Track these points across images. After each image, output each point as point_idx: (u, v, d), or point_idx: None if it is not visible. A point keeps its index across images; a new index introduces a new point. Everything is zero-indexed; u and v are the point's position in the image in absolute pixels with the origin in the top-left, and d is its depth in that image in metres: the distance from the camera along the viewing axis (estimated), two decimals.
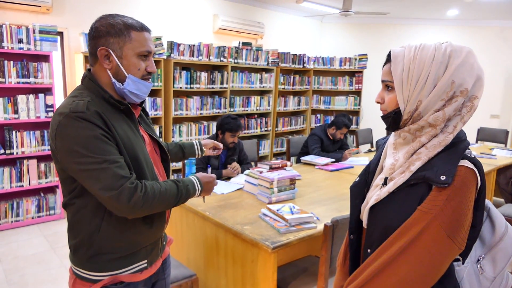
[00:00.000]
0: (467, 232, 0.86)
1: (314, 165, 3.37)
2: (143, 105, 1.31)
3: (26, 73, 3.59)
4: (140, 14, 4.57)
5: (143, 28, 1.16)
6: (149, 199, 1.09)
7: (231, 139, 3.00)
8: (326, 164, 3.34)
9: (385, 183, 0.98)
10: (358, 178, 1.11)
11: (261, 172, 2.39)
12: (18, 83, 3.55)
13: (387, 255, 0.89)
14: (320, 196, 2.46)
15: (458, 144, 0.90)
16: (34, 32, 3.61)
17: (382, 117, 1.00)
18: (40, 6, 3.82)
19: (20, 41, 3.55)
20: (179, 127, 4.65)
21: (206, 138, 3.10)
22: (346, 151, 3.63)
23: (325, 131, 3.91)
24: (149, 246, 1.23)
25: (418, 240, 0.85)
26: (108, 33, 1.11)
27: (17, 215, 3.68)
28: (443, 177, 0.85)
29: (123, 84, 1.15)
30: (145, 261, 1.22)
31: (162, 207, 1.16)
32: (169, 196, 1.15)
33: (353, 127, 6.28)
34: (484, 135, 5.54)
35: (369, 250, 1.00)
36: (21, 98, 3.60)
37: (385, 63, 0.98)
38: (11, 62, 3.51)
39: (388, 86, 0.97)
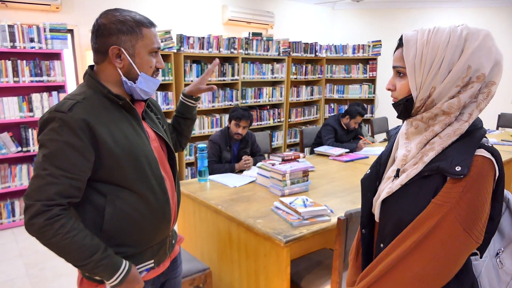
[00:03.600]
0: (484, 225, 0.82)
1: (328, 156, 3.32)
2: (148, 101, 1.27)
3: (39, 71, 3.64)
4: (149, 8, 4.55)
5: (151, 24, 1.14)
6: (49, 231, 1.00)
7: (235, 128, 2.96)
8: (340, 155, 3.28)
9: (397, 175, 0.94)
10: (369, 170, 1.07)
11: (273, 165, 2.36)
12: (32, 81, 3.60)
13: (401, 250, 0.85)
14: (334, 187, 2.42)
15: (474, 133, 0.85)
16: (44, 31, 3.64)
17: (393, 104, 0.95)
18: (49, 5, 3.85)
19: (32, 40, 3.59)
20: None
21: (219, 131, 3.08)
22: (360, 141, 3.56)
23: (339, 121, 3.84)
24: (155, 246, 1.21)
25: (432, 234, 0.81)
26: (120, 31, 1.08)
27: None
28: (458, 168, 0.80)
29: (135, 82, 1.12)
30: (152, 261, 1.21)
31: (60, 253, 1.04)
32: (73, 252, 1.02)
33: (368, 116, 6.16)
34: (505, 121, 5.35)
35: (382, 245, 0.97)
36: (35, 96, 3.65)
37: (397, 48, 0.93)
38: (24, 61, 3.56)
39: (399, 72, 0.92)
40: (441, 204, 0.82)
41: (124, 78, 1.12)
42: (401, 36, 0.92)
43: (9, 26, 3.46)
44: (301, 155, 2.62)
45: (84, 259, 1.04)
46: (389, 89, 0.96)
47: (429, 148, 0.88)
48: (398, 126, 1.06)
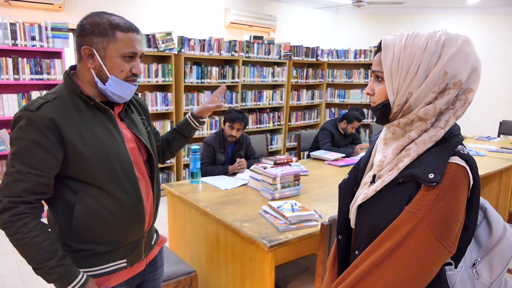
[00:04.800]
0: (458, 235, 0.80)
1: (323, 160, 3.30)
2: (129, 102, 1.28)
3: (39, 69, 3.67)
4: (151, 10, 4.57)
5: (130, 29, 1.13)
6: (11, 228, 1.02)
7: (229, 131, 2.95)
8: (336, 160, 3.27)
9: (373, 181, 0.93)
10: (347, 175, 1.06)
11: (265, 168, 2.35)
12: (32, 79, 3.63)
13: (373, 258, 0.84)
14: (326, 192, 2.40)
15: (450, 140, 0.84)
16: (46, 30, 3.67)
17: (371, 109, 0.94)
18: (52, 4, 3.88)
19: (33, 38, 3.62)
20: None
21: (213, 133, 3.08)
22: (357, 146, 3.54)
23: (336, 125, 3.82)
24: (128, 245, 1.20)
25: (405, 242, 0.80)
26: (93, 32, 1.09)
27: None
28: (431, 175, 0.79)
29: (105, 84, 1.13)
30: (124, 260, 1.20)
31: (20, 251, 1.05)
32: (30, 253, 1.03)
33: (367, 121, 6.14)
34: (506, 128, 5.30)
35: (356, 252, 0.95)
36: (34, 94, 3.67)
37: (376, 52, 0.92)
38: (25, 59, 3.58)
39: (378, 76, 0.91)
40: (414, 211, 0.80)
41: (96, 79, 1.13)
42: (381, 40, 0.91)
43: (11, 24, 3.49)
44: (294, 159, 2.61)
45: (39, 262, 1.04)
46: (368, 94, 0.95)
47: (405, 155, 0.87)
48: (380, 131, 1.05)
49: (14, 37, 3.52)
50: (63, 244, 1.13)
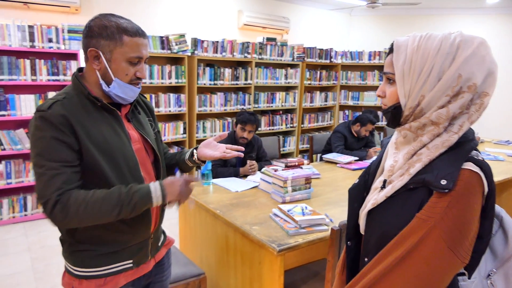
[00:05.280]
0: (471, 244, 0.77)
1: (336, 163, 3.27)
2: (135, 102, 1.28)
3: (56, 71, 3.74)
4: (164, 11, 4.61)
5: (137, 33, 1.13)
6: (70, 212, 1.03)
7: (241, 132, 2.95)
8: (349, 163, 3.22)
9: (384, 186, 0.90)
10: (357, 180, 1.03)
11: (276, 170, 2.33)
12: (49, 80, 3.70)
13: (383, 266, 0.81)
14: (338, 196, 2.37)
15: (464, 145, 0.81)
16: (63, 32, 3.74)
17: (382, 111, 0.92)
18: (69, 7, 3.95)
19: (50, 40, 3.69)
20: (203, 123, 4.67)
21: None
22: (371, 149, 3.48)
23: (349, 128, 3.77)
24: (134, 246, 1.21)
25: (415, 251, 0.77)
26: (100, 35, 1.10)
27: None
28: (443, 182, 0.76)
29: (109, 87, 1.14)
30: (130, 261, 1.20)
31: (95, 218, 1.06)
32: (103, 207, 1.05)
33: (381, 123, 6.05)
34: None
35: (366, 259, 0.93)
36: (51, 95, 3.74)
37: (388, 54, 0.89)
38: (42, 60, 3.66)
39: (389, 78, 0.88)
40: (425, 219, 0.77)
41: (101, 81, 1.14)
42: (393, 41, 0.88)
43: (29, 26, 3.57)
44: (306, 161, 2.58)
45: (117, 204, 1.06)
46: (379, 96, 0.92)
47: (416, 160, 0.84)
48: (392, 135, 1.02)
49: (32, 39, 3.60)
50: (71, 242, 1.14)
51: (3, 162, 3.62)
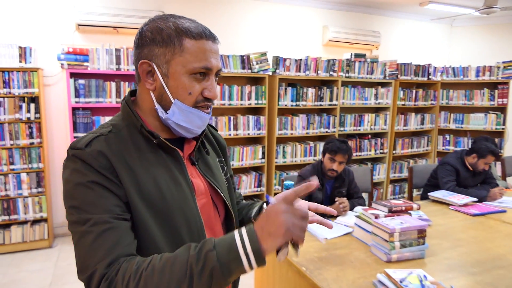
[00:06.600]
0: None
1: (448, 204, 2.62)
2: (203, 137, 0.94)
3: None
4: (246, 30, 4.43)
5: (202, 35, 0.81)
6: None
7: (330, 164, 2.49)
8: (466, 205, 2.56)
9: None
10: None
11: (376, 217, 1.84)
12: None
13: None
14: (461, 256, 1.78)
15: None
16: None
17: None
18: None
19: None
20: (283, 147, 4.32)
21: (309, 165, 2.66)
22: (495, 189, 2.74)
23: (462, 159, 3.07)
24: None
25: None
26: (153, 41, 0.80)
27: None
28: None
29: (167, 112, 0.82)
30: None
31: None
32: (164, 281, 0.68)
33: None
34: None
35: None
36: None
37: None
38: (126, 83, 3.69)
39: None
40: None
41: (157, 106, 0.83)
42: None
43: (116, 49, 3.63)
44: (415, 206, 2.04)
45: (185, 271, 0.68)
46: None
47: None
48: None
49: (118, 62, 3.65)
50: None
51: None
